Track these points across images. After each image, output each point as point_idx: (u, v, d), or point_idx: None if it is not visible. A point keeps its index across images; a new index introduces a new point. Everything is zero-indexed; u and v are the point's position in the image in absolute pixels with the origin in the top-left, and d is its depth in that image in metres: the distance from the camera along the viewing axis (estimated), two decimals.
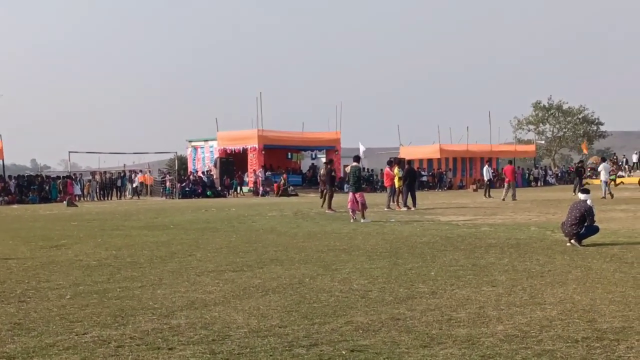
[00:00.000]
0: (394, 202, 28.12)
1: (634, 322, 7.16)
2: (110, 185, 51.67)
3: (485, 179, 39.82)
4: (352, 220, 21.04)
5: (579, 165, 44.07)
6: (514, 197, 34.35)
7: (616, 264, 11.26)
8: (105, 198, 50.02)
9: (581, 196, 14.59)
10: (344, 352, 6.21)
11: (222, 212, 27.56)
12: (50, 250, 14.80)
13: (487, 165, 40.34)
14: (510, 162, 38.23)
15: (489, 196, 37.30)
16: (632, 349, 6.19)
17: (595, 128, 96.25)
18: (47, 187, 46.94)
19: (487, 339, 6.62)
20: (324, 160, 48.42)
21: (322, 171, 28.30)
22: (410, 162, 34.86)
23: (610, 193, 33.63)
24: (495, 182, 47.52)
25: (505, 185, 35.87)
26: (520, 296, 8.69)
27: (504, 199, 33.91)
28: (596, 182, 44.70)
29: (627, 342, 6.43)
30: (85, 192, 49.27)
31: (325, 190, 27.67)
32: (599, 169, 36.10)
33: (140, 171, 56.40)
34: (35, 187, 46.15)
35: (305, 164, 60.75)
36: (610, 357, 5.97)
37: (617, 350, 6.16)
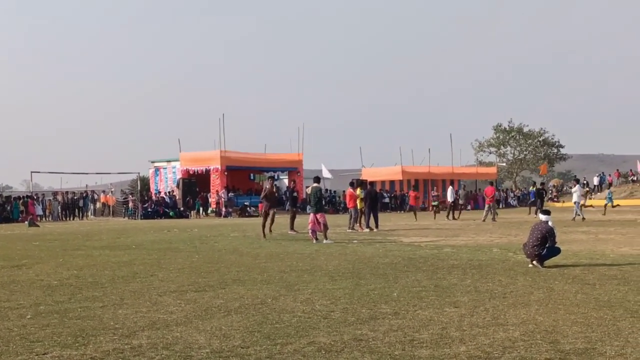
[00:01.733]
0: (357, 223, 28.14)
1: (596, 344, 7.20)
2: (73, 205, 51.12)
3: (449, 200, 39.92)
4: (313, 242, 21.01)
5: (540, 187, 44.53)
6: (493, 218, 34.80)
7: (578, 285, 11.35)
8: (68, 218, 49.48)
9: (542, 217, 14.72)
10: None
11: (185, 233, 27.38)
12: (11, 270, 14.58)
13: (450, 187, 40.55)
14: (491, 184, 38.45)
15: (453, 218, 37.48)
16: None
17: (555, 151, 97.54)
18: (8, 207, 46.29)
19: None
20: (285, 182, 48.29)
21: (266, 185, 24.86)
22: (372, 183, 34.97)
23: (582, 215, 33.86)
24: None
25: (486, 206, 36.30)
26: (482, 317, 8.71)
27: (484, 220, 34.39)
28: (558, 204, 45.10)
29: None
30: (47, 212, 48.70)
31: (268, 211, 24.18)
32: (573, 190, 36.49)
33: (103, 192, 55.94)
34: None
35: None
36: None
37: None
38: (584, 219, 33.30)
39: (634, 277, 12.26)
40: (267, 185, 24.74)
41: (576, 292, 10.70)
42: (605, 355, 6.75)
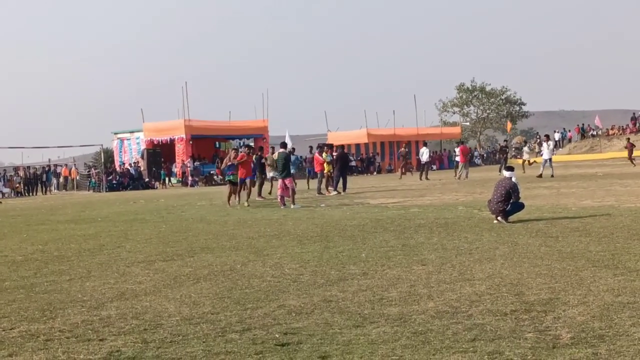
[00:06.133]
0: (325, 187, 28.15)
1: (560, 294, 7.34)
2: (35, 180, 50.57)
3: (422, 160, 39.71)
4: (282, 207, 21.03)
5: (504, 145, 44.85)
6: (466, 175, 35.36)
7: (542, 239, 11.52)
8: (30, 193, 48.96)
9: (506, 174, 14.88)
10: (277, 336, 6.20)
11: (151, 204, 27.24)
12: None
13: (424, 147, 40.41)
14: (461, 143, 38.74)
15: (427, 178, 37.56)
16: (559, 319, 6.33)
17: (518, 108, 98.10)
18: None
19: (419, 316, 6.70)
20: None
21: (232, 153, 24.21)
22: (341, 146, 34.97)
23: (548, 171, 33.96)
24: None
25: (460, 164, 36.69)
26: (449, 273, 8.82)
27: (458, 178, 35.25)
28: (519, 161, 45.47)
29: (554, 312, 6.58)
30: (9, 188, 48.15)
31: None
32: (542, 147, 36.82)
33: (66, 165, 55.36)
34: None
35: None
36: (538, 328, 6.09)
37: (544, 321, 6.29)
38: (549, 175, 33.30)
39: (595, 229, 12.48)
40: (232, 153, 24.31)
41: (540, 245, 10.87)
42: (569, 304, 6.87)
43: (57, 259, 11.92)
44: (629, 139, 52.21)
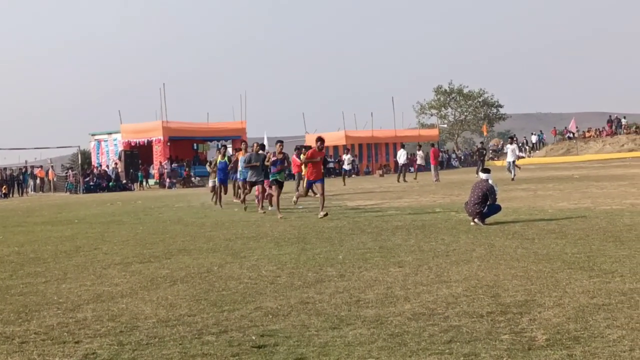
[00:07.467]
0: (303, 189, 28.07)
1: (535, 295, 7.38)
2: (12, 181, 50.17)
3: (400, 162, 39.80)
4: (259, 209, 20.97)
5: (480, 146, 45.13)
6: (436, 178, 35.84)
7: (518, 241, 11.59)
8: (7, 195, 48.56)
9: (482, 176, 14.95)
10: (253, 338, 6.19)
11: (128, 205, 27.13)
12: None
13: (402, 149, 40.48)
14: (432, 145, 39.06)
15: (404, 180, 37.64)
16: (534, 321, 6.36)
17: (495, 111, 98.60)
18: None
19: (395, 318, 6.71)
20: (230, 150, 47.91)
21: (218, 157, 24.21)
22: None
23: (513, 174, 33.84)
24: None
25: (432, 167, 37.07)
26: (426, 275, 8.85)
27: (437, 180, 35.64)
28: (498, 163, 45.72)
29: (530, 314, 6.62)
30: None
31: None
32: (506, 149, 36.94)
33: (41, 167, 54.99)
34: None
35: (211, 155, 60.26)
36: (514, 330, 6.12)
37: (520, 323, 6.32)
38: (511, 178, 32.96)
39: (571, 231, 12.56)
40: (218, 157, 24.26)
41: (516, 247, 10.92)
42: (544, 305, 6.91)
43: (33, 261, 11.83)
44: None
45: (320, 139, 18.47)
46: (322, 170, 18.41)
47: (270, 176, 19.77)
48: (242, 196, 22.42)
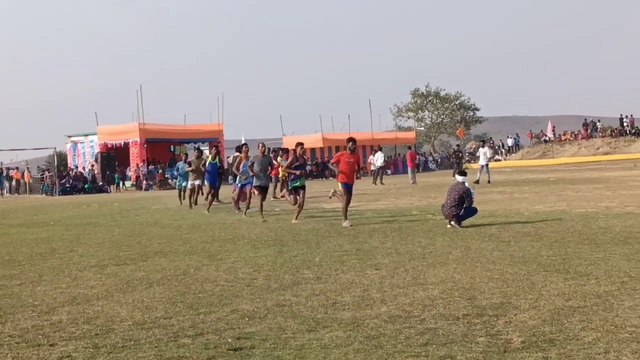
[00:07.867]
0: (281, 191, 28.05)
1: (511, 298, 7.41)
2: None
3: (377, 165, 39.85)
4: (236, 211, 20.94)
5: (456, 149, 45.29)
6: (413, 180, 35.99)
7: (494, 243, 11.64)
8: None
9: (459, 178, 15.02)
10: (229, 340, 6.18)
11: (105, 207, 26.98)
12: None
13: (379, 152, 40.53)
14: (409, 148, 39.28)
15: (381, 183, 37.71)
16: (510, 323, 6.40)
17: (472, 114, 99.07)
18: None
19: (372, 320, 6.72)
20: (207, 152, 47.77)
21: (193, 158, 23.89)
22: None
23: (487, 177, 33.74)
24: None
25: (409, 169, 37.29)
26: (403, 278, 8.86)
27: (413, 183, 35.81)
28: (475, 166, 45.90)
29: (506, 317, 6.65)
30: None
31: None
32: (478, 153, 36.76)
33: (17, 168, 54.58)
34: None
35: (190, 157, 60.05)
36: (490, 332, 6.14)
37: (496, 326, 6.35)
38: (485, 181, 32.83)
39: (547, 234, 12.64)
40: (194, 158, 23.87)
41: (492, 249, 10.97)
42: (520, 308, 6.95)
43: (8, 263, 11.73)
44: None
45: (351, 139, 16.70)
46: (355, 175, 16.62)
47: (290, 183, 17.88)
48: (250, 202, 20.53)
